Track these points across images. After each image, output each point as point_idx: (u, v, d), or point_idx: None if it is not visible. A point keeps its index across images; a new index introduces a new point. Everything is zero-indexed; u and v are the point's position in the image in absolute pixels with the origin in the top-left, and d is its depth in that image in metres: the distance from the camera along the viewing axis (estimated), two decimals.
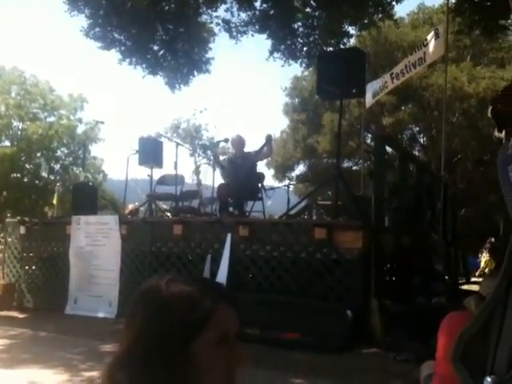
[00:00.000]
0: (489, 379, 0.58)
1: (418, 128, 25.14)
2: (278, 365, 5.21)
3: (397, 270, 8.18)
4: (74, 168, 24.31)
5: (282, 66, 11.92)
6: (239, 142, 8.47)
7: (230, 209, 8.23)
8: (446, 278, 9.61)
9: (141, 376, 0.87)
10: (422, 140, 25.57)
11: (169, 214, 9.79)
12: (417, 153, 23.15)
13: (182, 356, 0.87)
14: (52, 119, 24.58)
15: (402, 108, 22.30)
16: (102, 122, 14.16)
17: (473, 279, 13.38)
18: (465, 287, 11.41)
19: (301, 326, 5.95)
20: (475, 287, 10.61)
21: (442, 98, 12.51)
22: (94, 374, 4.58)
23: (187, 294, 0.90)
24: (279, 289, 6.61)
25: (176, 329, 0.87)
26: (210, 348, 0.89)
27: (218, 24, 12.00)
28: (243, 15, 11.59)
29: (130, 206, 10.98)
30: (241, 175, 8.04)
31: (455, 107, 20.44)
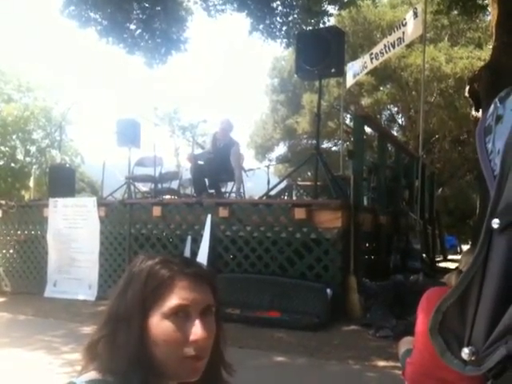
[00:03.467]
0: (466, 350, 0.59)
1: (396, 108, 25.27)
2: (258, 343, 5.26)
3: (375, 249, 8.29)
4: (51, 150, 23.87)
5: (261, 45, 11.84)
6: (226, 126, 8.26)
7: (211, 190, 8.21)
8: (424, 255, 9.79)
9: (108, 343, 0.93)
10: (400, 120, 25.73)
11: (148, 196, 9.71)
12: (395, 133, 23.27)
13: (140, 324, 0.92)
14: (27, 101, 24.00)
15: (381, 88, 22.34)
16: (78, 104, 13.91)
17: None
18: (442, 265, 11.64)
19: (281, 304, 6.02)
20: (452, 265, 10.83)
21: (420, 78, 12.57)
22: (75, 356, 4.56)
23: (148, 267, 0.96)
24: (259, 268, 6.66)
25: (136, 298, 0.93)
26: (164, 318, 0.92)
27: (195, 2, 11.81)
28: None
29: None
30: (220, 156, 8.00)
31: (433, 87, 20.55)
